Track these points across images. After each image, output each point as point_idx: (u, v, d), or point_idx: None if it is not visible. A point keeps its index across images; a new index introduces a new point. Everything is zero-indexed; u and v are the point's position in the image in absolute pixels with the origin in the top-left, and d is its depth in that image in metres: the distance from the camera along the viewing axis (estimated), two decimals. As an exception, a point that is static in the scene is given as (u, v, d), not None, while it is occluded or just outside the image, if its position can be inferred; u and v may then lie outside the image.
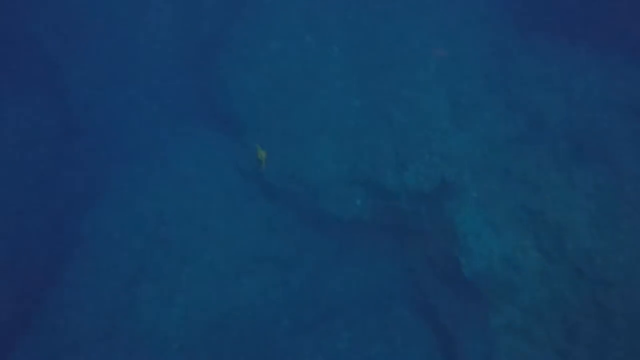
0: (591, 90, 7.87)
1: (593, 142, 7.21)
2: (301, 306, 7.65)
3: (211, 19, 11.30)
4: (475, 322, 6.18)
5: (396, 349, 6.75)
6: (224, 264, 8.11)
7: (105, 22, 10.95)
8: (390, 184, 7.57)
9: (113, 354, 7.26)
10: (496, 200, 6.73)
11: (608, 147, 7.10)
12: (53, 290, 8.07)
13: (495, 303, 6.03)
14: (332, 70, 9.59)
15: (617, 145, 7.15)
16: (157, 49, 11.24)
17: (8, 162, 9.08)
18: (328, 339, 6.89)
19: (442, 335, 6.74)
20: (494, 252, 6.24)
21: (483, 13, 9.72)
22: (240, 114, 10.01)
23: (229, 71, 10.32)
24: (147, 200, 9.06)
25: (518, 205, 6.60)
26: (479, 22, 9.49)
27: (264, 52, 10.20)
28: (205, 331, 7.40)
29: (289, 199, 8.82)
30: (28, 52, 10.21)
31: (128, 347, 7.38)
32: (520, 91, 8.07)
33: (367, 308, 7.37)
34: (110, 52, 10.86)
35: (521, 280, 6.03)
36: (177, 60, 11.35)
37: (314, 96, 9.49)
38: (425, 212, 7.30)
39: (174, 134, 10.60)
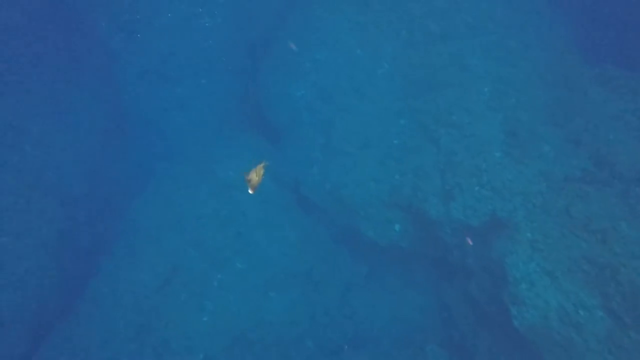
0: (667, 130, 6.65)
1: (669, 189, 6.04)
2: (327, 329, 6.94)
3: (260, 25, 10.96)
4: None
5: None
6: (254, 275, 7.53)
7: (164, 24, 10.78)
8: (434, 212, 6.68)
9: (141, 356, 6.81)
10: (554, 246, 5.72)
11: (687, 197, 5.91)
12: (93, 281, 7.80)
13: (550, 365, 5.06)
14: (380, 86, 8.75)
15: (698, 195, 5.93)
16: (207, 51, 10.99)
17: (62, 147, 8.81)
18: (354, 371, 6.10)
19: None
20: (550, 305, 5.26)
21: (545, 37, 8.58)
22: (283, 122, 9.40)
23: (274, 78, 9.72)
24: (186, 201, 8.64)
25: (581, 255, 5.54)
26: (540, 46, 8.37)
27: (310, 61, 9.52)
28: (229, 343, 6.88)
29: (325, 214, 8.10)
30: (93, 44, 10.09)
31: (156, 349, 6.92)
32: (585, 125, 6.95)
33: (397, 341, 6.56)
34: (165, 52, 10.66)
35: (583, 343, 5.02)
36: (224, 64, 11.08)
37: (359, 111, 8.71)
38: (471, 247, 6.35)
39: (217, 137, 10.20)
